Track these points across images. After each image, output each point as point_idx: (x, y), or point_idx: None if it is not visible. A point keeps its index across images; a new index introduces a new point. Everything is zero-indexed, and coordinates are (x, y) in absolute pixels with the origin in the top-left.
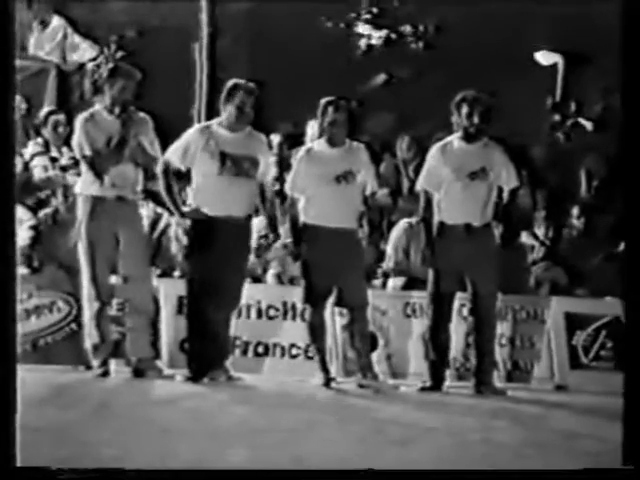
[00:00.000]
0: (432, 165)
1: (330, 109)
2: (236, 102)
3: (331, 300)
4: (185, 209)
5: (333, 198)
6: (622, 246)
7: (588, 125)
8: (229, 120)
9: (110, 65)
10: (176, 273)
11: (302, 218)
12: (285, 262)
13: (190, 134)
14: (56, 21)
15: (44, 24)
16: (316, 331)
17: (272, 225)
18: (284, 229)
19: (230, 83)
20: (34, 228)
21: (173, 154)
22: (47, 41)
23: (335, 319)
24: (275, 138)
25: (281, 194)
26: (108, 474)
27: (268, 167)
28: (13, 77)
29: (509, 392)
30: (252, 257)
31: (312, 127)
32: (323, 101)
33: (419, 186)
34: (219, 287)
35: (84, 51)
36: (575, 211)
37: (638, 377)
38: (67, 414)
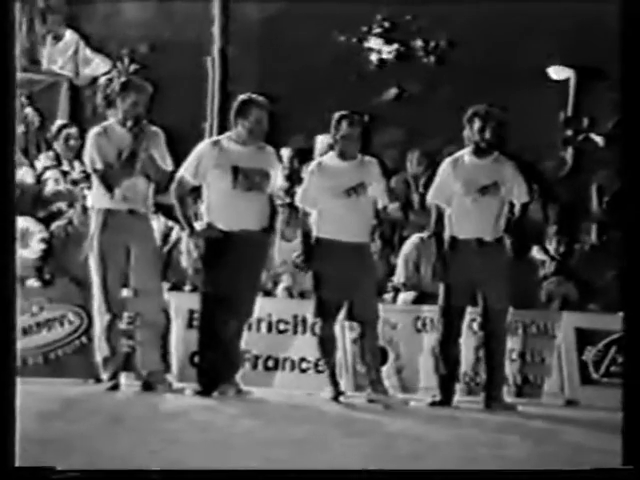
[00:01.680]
0: (443, 180)
1: (344, 123)
2: (252, 118)
3: (342, 314)
4: (197, 225)
5: (344, 212)
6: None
7: (599, 140)
8: (241, 135)
9: (122, 79)
10: (187, 287)
11: (314, 231)
12: (296, 275)
13: (201, 149)
14: (69, 35)
15: (57, 38)
16: (326, 345)
17: None
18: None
19: (242, 98)
20: (45, 241)
21: (186, 171)
22: (60, 55)
23: (345, 333)
24: (286, 152)
25: (292, 207)
26: (108, 474)
27: (278, 179)
28: (14, 89)
29: (519, 407)
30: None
31: (321, 142)
32: (337, 115)
33: (430, 200)
34: (232, 301)
35: (97, 65)
36: (586, 226)
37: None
38: (76, 427)
